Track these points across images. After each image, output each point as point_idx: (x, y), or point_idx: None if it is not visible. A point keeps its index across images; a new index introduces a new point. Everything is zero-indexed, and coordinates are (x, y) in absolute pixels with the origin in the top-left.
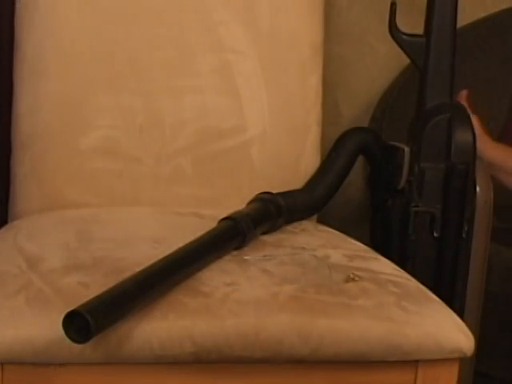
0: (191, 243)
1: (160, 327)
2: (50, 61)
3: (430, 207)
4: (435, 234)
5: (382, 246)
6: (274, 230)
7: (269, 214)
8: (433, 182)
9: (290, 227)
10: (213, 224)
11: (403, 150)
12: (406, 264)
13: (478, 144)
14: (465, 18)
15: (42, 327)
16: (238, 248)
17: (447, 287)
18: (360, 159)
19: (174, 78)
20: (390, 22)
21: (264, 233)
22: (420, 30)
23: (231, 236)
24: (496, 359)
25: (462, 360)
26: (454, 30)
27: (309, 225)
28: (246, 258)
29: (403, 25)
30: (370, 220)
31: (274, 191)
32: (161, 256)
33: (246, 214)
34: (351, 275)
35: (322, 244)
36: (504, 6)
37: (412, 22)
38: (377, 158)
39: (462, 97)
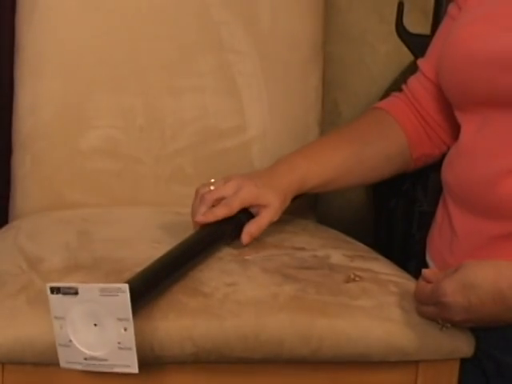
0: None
1: (160, 327)
2: (50, 61)
3: (435, 207)
4: None
5: (385, 246)
6: None
7: None
8: (437, 182)
9: (290, 227)
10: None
11: None
12: (410, 264)
13: None
14: None
15: (43, 327)
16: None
17: None
18: None
19: (174, 78)
20: (396, 21)
21: None
22: (420, 30)
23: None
24: None
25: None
26: None
27: (309, 225)
28: (246, 257)
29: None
30: (374, 220)
31: None
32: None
33: None
34: (352, 275)
35: (322, 244)
36: None
37: (412, 22)
38: None
39: None
